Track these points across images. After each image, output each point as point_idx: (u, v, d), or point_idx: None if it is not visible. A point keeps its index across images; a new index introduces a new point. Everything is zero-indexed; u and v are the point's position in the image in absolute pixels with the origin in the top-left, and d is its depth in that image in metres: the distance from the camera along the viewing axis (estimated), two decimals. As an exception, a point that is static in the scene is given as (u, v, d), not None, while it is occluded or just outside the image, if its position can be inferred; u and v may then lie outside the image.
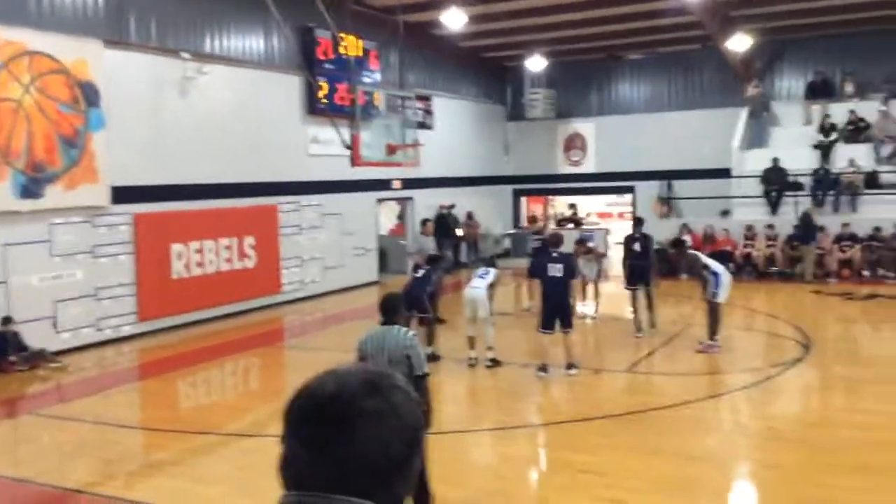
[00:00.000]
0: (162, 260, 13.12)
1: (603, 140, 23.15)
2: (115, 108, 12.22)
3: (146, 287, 12.83)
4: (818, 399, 9.18)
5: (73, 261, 11.85)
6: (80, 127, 11.83)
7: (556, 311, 9.60)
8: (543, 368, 9.67)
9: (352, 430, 1.24)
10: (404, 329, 5.40)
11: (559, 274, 9.54)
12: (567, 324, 9.61)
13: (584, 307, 13.23)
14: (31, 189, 11.20)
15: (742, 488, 6.47)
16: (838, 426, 7.67)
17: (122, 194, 12.41)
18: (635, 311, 12.18)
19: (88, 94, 11.92)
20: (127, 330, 12.61)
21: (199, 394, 10.31)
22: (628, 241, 12.49)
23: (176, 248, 13.38)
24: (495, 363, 10.14)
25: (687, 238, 17.12)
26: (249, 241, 14.79)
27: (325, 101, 16.03)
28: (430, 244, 14.20)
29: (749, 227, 17.93)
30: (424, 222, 15.04)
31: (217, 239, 14.14)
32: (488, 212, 23.02)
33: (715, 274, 10.65)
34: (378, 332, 5.38)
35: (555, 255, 9.74)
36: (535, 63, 21.09)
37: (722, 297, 10.68)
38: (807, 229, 16.83)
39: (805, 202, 17.93)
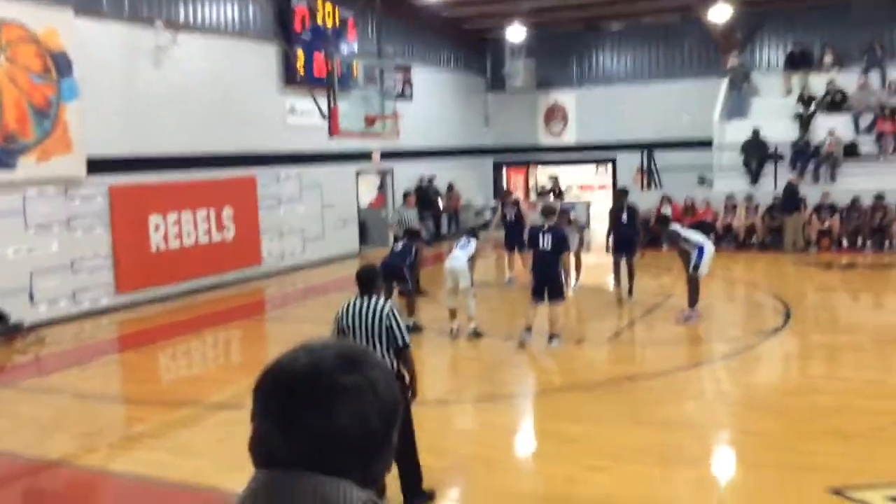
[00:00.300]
0: (139, 232, 12.97)
1: (584, 111, 23.08)
2: (88, 78, 11.98)
3: (123, 259, 12.68)
4: (797, 367, 9.26)
5: (49, 233, 11.68)
6: (53, 97, 11.59)
7: (545, 281, 9.58)
8: (528, 330, 9.72)
9: (328, 407, 1.19)
10: (382, 301, 5.32)
11: (548, 247, 9.52)
12: (554, 295, 9.59)
13: (577, 277, 13.24)
14: (3, 160, 10.98)
15: (722, 455, 6.52)
16: (817, 393, 7.73)
17: (98, 166, 12.21)
18: (618, 279, 12.29)
19: (60, 64, 11.67)
20: (105, 302, 12.48)
21: (179, 366, 10.24)
22: (616, 211, 12.52)
23: (153, 219, 13.22)
24: (477, 334, 10.14)
25: (668, 212, 17.18)
26: (228, 212, 14.65)
27: (302, 71, 15.82)
28: (412, 216, 14.08)
29: (729, 198, 17.99)
30: (406, 194, 14.93)
31: (195, 211, 13.98)
32: (469, 183, 22.95)
33: (698, 247, 10.67)
34: (356, 304, 5.29)
35: (545, 227, 9.70)
36: (516, 33, 20.90)
37: (704, 270, 10.71)
38: (790, 199, 16.90)
39: (787, 173, 17.96)
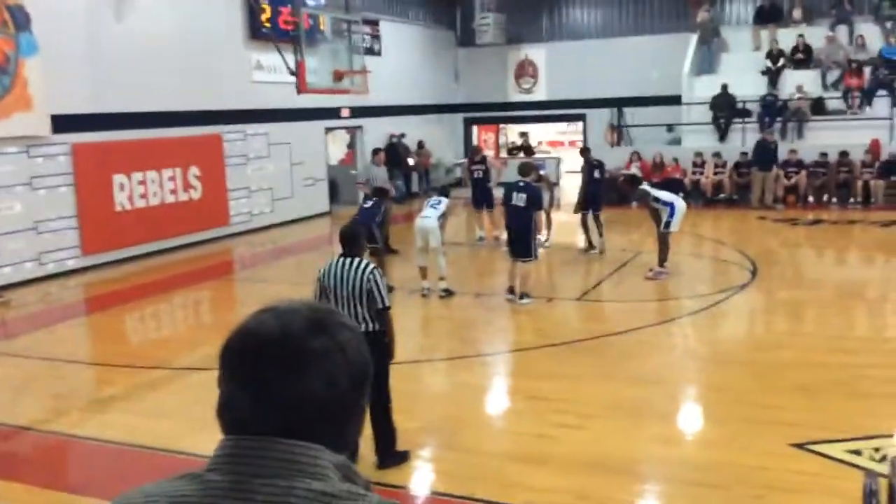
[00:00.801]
0: (104, 191, 12.74)
1: (554, 66, 22.94)
2: (47, 33, 11.64)
3: (88, 220, 12.47)
4: (763, 323, 9.42)
5: (11, 193, 11.44)
6: (11, 52, 11.26)
7: (516, 239, 9.63)
8: (510, 291, 9.82)
9: (298, 372, 1.16)
10: (365, 262, 5.30)
11: (522, 203, 9.54)
12: (523, 253, 9.63)
13: (548, 236, 13.27)
14: (-40, 119, 10.69)
15: (690, 410, 6.64)
16: (782, 349, 7.88)
17: (60, 123, 11.94)
18: (587, 232, 12.60)
19: (17, 18, 11.31)
20: (71, 264, 12.31)
21: (148, 328, 10.16)
22: (590, 168, 12.62)
23: (118, 178, 12.99)
24: (448, 293, 10.16)
25: (636, 170, 17.22)
26: (194, 171, 14.43)
27: (268, 24, 15.49)
28: (381, 174, 13.95)
29: (698, 154, 18.07)
30: (376, 151, 14.77)
31: (160, 170, 13.76)
32: (439, 141, 22.80)
33: (668, 205, 10.76)
34: (338, 264, 5.26)
35: (520, 184, 9.69)
36: (486, -14, 20.67)
37: (675, 227, 10.82)
38: (761, 156, 17.00)
39: (757, 130, 18.04)
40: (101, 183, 12.68)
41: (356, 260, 5.26)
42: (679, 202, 10.95)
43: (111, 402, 7.02)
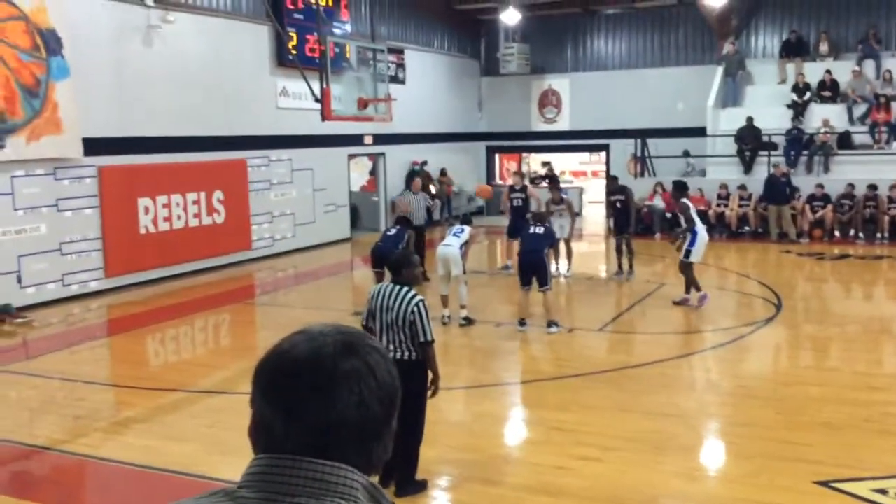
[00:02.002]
0: (128, 214, 12.87)
1: (577, 97, 22.98)
2: (77, 58, 11.84)
3: (113, 242, 12.59)
4: (787, 358, 9.28)
5: (37, 214, 11.58)
6: (42, 76, 11.46)
7: (531, 269, 9.64)
8: (522, 322, 9.81)
9: (328, 393, 1.19)
10: (412, 292, 5.28)
11: (540, 231, 9.85)
12: (543, 283, 9.63)
13: (557, 266, 13.22)
14: (-8, 140, 10.86)
15: (712, 445, 6.53)
16: (807, 384, 7.75)
17: (87, 146, 12.09)
18: (619, 255, 12.93)
19: (50, 42, 11.52)
20: (94, 286, 12.40)
21: (168, 351, 10.19)
22: (610, 195, 13.20)
23: (143, 202, 13.12)
24: (469, 321, 10.12)
25: (659, 201, 17.14)
26: (218, 195, 14.55)
27: (294, 52, 15.66)
28: (418, 201, 13.68)
29: (723, 186, 17.97)
30: (410, 177, 14.62)
31: (185, 193, 13.88)
32: (462, 169, 22.85)
33: (693, 232, 10.72)
34: (387, 290, 5.27)
35: (539, 226, 10.08)
36: (510, 16, 20.76)
37: (695, 256, 10.75)
38: (772, 190, 16.82)
39: (782, 162, 17.90)
40: (125, 206, 12.81)
41: (404, 289, 5.25)
42: (702, 231, 10.91)
43: (130, 424, 7.02)
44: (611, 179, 13.70)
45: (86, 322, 11.22)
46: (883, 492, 5.22)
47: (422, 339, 5.14)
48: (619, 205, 12.96)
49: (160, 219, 13.42)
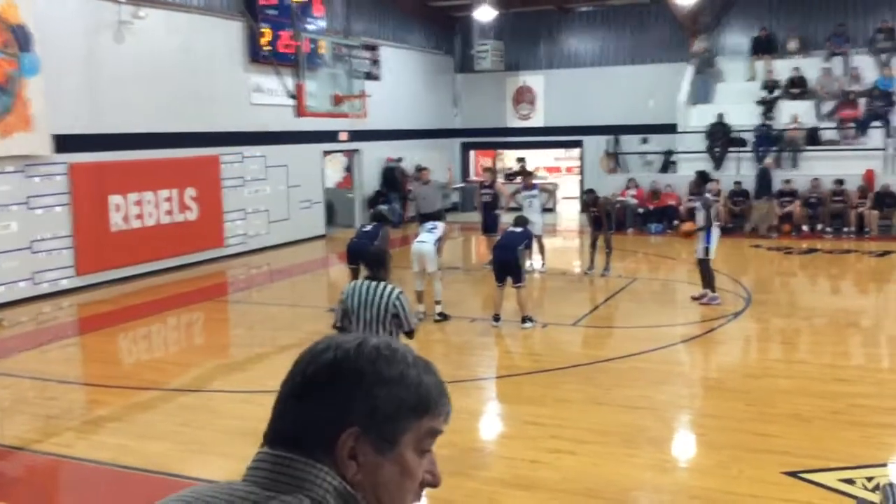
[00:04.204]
0: (100, 212, 12.75)
1: (552, 94, 23.09)
2: (48, 54, 11.70)
3: (84, 240, 12.47)
4: (757, 351, 9.42)
5: (8, 212, 11.45)
6: (13, 72, 11.31)
7: (506, 267, 9.71)
8: (497, 318, 9.86)
9: (336, 392, 1.19)
10: (391, 287, 5.34)
11: (518, 230, 9.96)
12: (517, 280, 9.70)
13: (531, 262, 13.29)
14: (-41, 137, 10.71)
15: (683, 437, 6.63)
16: (776, 377, 7.88)
17: (58, 143, 11.97)
18: (592, 251, 13.04)
19: (20, 38, 11.37)
20: (65, 284, 12.28)
21: (141, 349, 10.12)
22: (588, 205, 13.36)
23: (114, 199, 13.00)
24: (444, 317, 10.16)
25: (632, 198, 17.27)
26: (191, 192, 14.45)
27: (268, 48, 15.60)
28: (428, 192, 13.61)
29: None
30: (420, 168, 14.54)
31: (157, 191, 13.77)
32: (437, 165, 22.83)
33: (707, 229, 10.70)
34: (363, 287, 5.31)
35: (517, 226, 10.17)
36: (484, 13, 20.80)
37: (713, 253, 10.77)
38: (763, 184, 17.02)
39: (763, 158, 18.09)
40: (97, 203, 12.69)
41: (381, 283, 5.30)
42: (716, 228, 10.92)
43: (103, 422, 6.98)
44: (587, 192, 13.82)
45: (57, 320, 11.11)
46: (850, 482, 5.33)
47: (407, 329, 5.25)
48: (594, 215, 13.08)
49: (132, 216, 13.31)
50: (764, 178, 16.96)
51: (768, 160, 17.57)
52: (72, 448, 6.33)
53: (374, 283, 5.30)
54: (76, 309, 11.70)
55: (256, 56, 15.66)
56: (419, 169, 21.35)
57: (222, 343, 10.08)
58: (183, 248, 14.26)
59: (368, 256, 5.54)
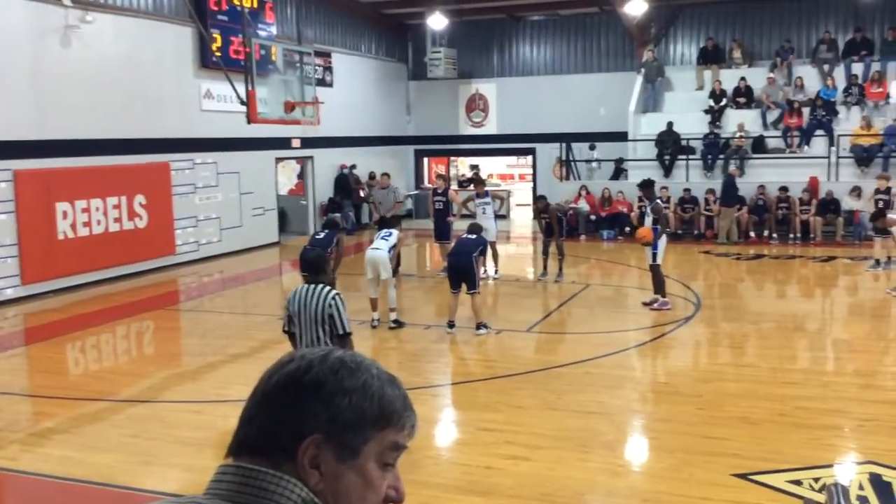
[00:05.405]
0: (46, 219, 12.46)
1: (504, 101, 23.26)
2: (-10, 57, 11.43)
3: (29, 248, 12.17)
4: (707, 355, 9.58)
5: (-53, 220, 11.13)
6: (-48, 76, 11.02)
7: (461, 274, 9.75)
8: (451, 325, 9.90)
9: (295, 401, 1.18)
10: (327, 289, 5.39)
11: (472, 237, 10.02)
12: (472, 287, 9.74)
13: (485, 268, 13.35)
14: None
15: (635, 441, 6.71)
16: (725, 380, 8.03)
17: (2, 149, 11.68)
18: (545, 257, 13.21)
19: (-40, 41, 11.09)
20: (10, 293, 11.98)
21: (89, 359, 9.91)
22: (539, 212, 13.44)
23: (61, 206, 12.72)
24: (398, 324, 10.15)
25: (584, 204, 17.43)
26: (140, 199, 14.21)
27: (218, 53, 15.44)
28: (384, 196, 14.01)
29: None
30: (341, 181, 14.70)
31: (105, 198, 13.51)
32: (390, 173, 22.79)
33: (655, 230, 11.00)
34: (302, 290, 5.39)
35: (472, 234, 10.19)
36: (437, 21, 20.89)
37: (660, 257, 11.04)
38: (728, 191, 17.21)
39: (730, 166, 18.33)
40: (43, 211, 12.40)
41: (319, 286, 5.34)
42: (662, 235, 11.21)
43: (49, 434, 6.81)
44: (538, 199, 13.96)
45: (1, 331, 10.82)
46: (797, 483, 5.46)
47: (339, 332, 5.26)
48: (546, 221, 13.21)
49: (79, 224, 13.03)
50: (731, 187, 17.14)
51: (732, 168, 17.85)
52: (17, 461, 6.17)
53: (312, 287, 5.36)
54: (22, 318, 11.41)
55: (207, 62, 15.48)
56: (372, 177, 21.38)
57: (173, 352, 9.91)
58: (133, 256, 14.01)
59: (307, 261, 5.57)
